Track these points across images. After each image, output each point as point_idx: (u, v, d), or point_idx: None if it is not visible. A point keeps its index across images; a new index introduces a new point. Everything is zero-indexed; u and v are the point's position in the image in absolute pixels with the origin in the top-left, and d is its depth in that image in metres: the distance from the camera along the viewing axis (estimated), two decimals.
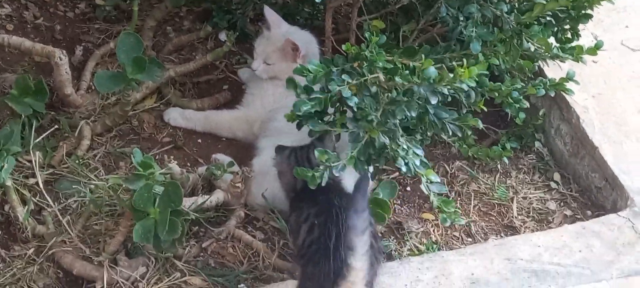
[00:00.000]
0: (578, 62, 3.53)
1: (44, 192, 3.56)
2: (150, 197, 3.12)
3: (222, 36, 4.40)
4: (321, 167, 2.96)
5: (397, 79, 2.92)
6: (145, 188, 3.11)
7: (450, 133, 3.22)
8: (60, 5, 4.47)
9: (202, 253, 3.45)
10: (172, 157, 3.77)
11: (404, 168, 3.05)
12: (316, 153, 2.99)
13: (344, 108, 3.10)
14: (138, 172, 3.14)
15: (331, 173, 3.01)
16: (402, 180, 3.78)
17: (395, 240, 3.54)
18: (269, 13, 3.91)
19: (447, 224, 3.20)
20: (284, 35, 3.86)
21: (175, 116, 4.01)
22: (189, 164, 3.83)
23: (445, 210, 3.11)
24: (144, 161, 3.14)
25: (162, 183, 3.18)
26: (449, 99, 3.10)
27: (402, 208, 3.69)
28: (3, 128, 3.65)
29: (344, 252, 2.83)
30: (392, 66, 2.98)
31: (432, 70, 2.92)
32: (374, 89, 2.99)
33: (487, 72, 3.20)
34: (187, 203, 3.41)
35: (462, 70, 2.91)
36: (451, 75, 2.93)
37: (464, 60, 3.21)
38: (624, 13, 4.44)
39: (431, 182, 3.08)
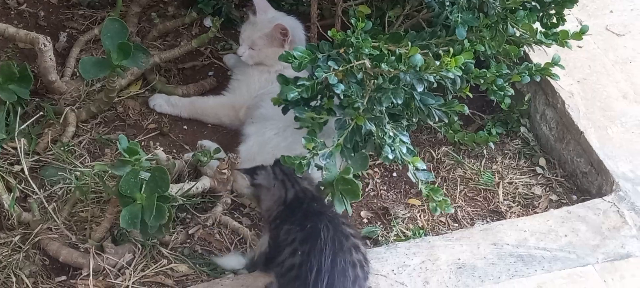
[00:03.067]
0: (563, 47, 3.54)
1: (30, 179, 3.55)
2: (137, 182, 3.11)
3: (207, 22, 4.39)
4: (307, 155, 2.95)
5: (384, 65, 2.92)
6: (132, 174, 3.10)
7: (437, 119, 3.23)
8: None
9: (188, 240, 3.44)
10: (157, 143, 3.76)
11: (390, 156, 3.06)
12: (303, 141, 2.97)
13: (331, 94, 3.10)
14: (124, 158, 3.13)
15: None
16: (388, 166, 3.79)
17: (381, 226, 3.54)
18: None
19: (437, 213, 3.21)
20: (271, 20, 3.86)
21: (161, 102, 4.00)
22: (174, 151, 3.82)
23: (434, 199, 3.11)
24: (130, 147, 3.13)
25: (149, 169, 3.17)
26: (435, 85, 3.10)
27: (389, 194, 3.70)
28: None
29: None
30: (378, 53, 2.98)
31: (418, 58, 2.92)
32: (360, 75, 2.99)
33: (472, 61, 3.21)
34: (174, 189, 3.40)
35: (449, 58, 2.91)
36: (437, 63, 2.93)
37: (450, 46, 3.22)
38: None
39: (418, 170, 3.08)
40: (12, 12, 4.31)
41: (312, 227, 2.94)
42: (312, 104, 3.14)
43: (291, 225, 3.01)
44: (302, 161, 2.95)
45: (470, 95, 3.37)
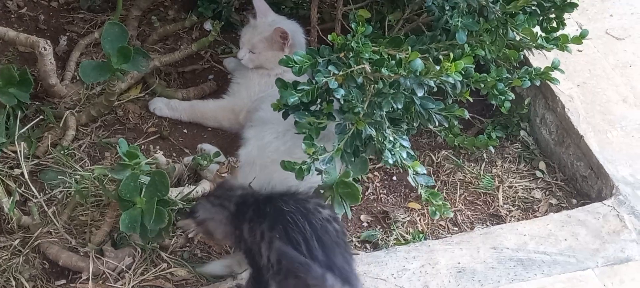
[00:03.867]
0: (563, 51, 3.54)
1: (29, 182, 3.55)
2: (137, 186, 3.11)
3: (207, 26, 4.39)
4: (307, 159, 2.96)
5: (384, 70, 2.92)
6: (132, 178, 3.10)
7: (437, 123, 3.23)
8: None
9: (188, 244, 3.44)
10: (157, 147, 3.76)
11: (390, 161, 3.06)
12: (303, 146, 2.97)
13: (331, 99, 3.10)
14: (124, 162, 3.13)
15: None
16: (388, 169, 3.79)
17: (381, 230, 3.54)
18: (257, 1, 3.90)
19: (437, 217, 3.21)
20: (271, 24, 3.86)
21: (161, 106, 4.00)
22: (174, 154, 3.82)
23: (434, 203, 3.11)
24: (130, 151, 3.13)
25: (149, 173, 3.17)
26: (435, 89, 3.10)
27: (388, 198, 3.69)
28: None
29: (321, 252, 2.80)
30: (379, 57, 2.98)
31: (418, 63, 2.92)
32: (360, 80, 2.99)
33: (472, 65, 3.21)
34: (174, 193, 3.40)
35: (449, 63, 2.91)
36: (438, 67, 2.93)
37: (450, 51, 3.22)
38: (608, 2, 4.46)
39: (418, 174, 3.09)
40: (12, 16, 4.31)
41: (271, 208, 2.91)
42: (312, 108, 3.15)
43: (250, 223, 2.98)
44: (303, 166, 2.95)
45: (471, 100, 3.37)
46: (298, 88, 3.02)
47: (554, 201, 3.71)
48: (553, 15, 3.57)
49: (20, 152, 3.61)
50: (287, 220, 2.86)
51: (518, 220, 3.59)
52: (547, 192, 3.76)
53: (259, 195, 3.08)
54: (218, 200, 3.12)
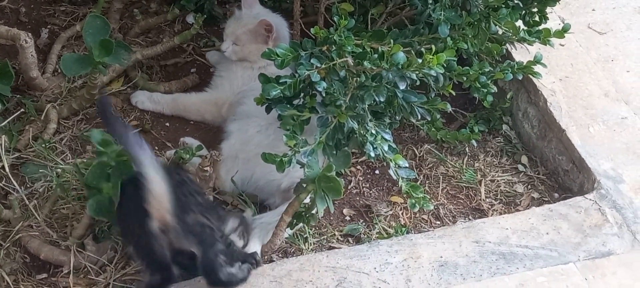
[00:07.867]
0: (545, 45, 3.56)
1: (10, 176, 3.53)
2: (103, 173, 3.07)
3: (190, 18, 4.37)
4: (289, 152, 2.95)
5: (366, 63, 2.93)
6: (98, 166, 3.07)
7: (419, 117, 3.24)
8: None
9: None
10: None
11: (372, 154, 3.07)
12: (284, 138, 2.96)
13: (313, 92, 3.09)
14: (100, 151, 3.11)
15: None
16: (370, 163, 3.79)
17: (364, 223, 3.54)
18: None
19: (416, 210, 3.22)
20: (256, 16, 3.85)
21: (143, 99, 3.98)
22: (157, 148, 3.81)
23: (413, 196, 3.11)
24: (104, 139, 3.10)
25: (114, 159, 3.15)
26: (418, 82, 3.10)
27: (371, 192, 3.69)
28: None
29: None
30: (361, 50, 2.98)
31: (400, 56, 2.92)
32: (342, 73, 2.99)
33: (454, 58, 3.21)
34: None
35: (431, 56, 2.91)
36: (420, 60, 2.93)
37: (433, 44, 3.23)
38: None
39: (399, 167, 3.09)
40: None
41: None
42: (295, 102, 3.14)
43: None
44: (284, 158, 2.95)
45: (454, 93, 3.38)
46: (280, 81, 3.01)
47: (536, 195, 3.72)
48: (535, 9, 3.59)
49: (1, 145, 3.59)
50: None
51: (500, 214, 3.60)
52: (529, 186, 3.76)
53: None
54: None
